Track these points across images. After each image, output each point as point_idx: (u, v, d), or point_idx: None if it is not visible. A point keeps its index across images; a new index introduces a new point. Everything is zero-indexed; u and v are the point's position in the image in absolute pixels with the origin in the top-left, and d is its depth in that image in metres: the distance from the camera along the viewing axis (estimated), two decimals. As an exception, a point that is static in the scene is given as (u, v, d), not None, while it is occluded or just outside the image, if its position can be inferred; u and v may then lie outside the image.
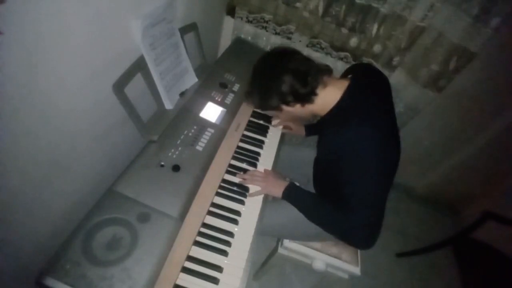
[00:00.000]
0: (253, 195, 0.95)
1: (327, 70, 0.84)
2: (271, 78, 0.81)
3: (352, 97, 0.81)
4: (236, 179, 0.97)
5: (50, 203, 0.75)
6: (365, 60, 1.47)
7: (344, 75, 0.94)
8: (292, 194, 0.94)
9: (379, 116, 0.79)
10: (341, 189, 0.79)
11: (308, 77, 0.80)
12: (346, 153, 0.75)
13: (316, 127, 1.27)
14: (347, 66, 1.51)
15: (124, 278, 0.64)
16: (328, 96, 0.82)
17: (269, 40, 1.56)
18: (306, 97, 0.81)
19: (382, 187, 0.78)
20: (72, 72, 0.64)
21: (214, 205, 0.88)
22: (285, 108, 0.85)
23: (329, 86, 0.83)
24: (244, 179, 0.96)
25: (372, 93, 0.83)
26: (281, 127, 1.21)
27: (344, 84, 0.82)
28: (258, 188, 0.95)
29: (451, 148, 1.83)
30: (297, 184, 1.20)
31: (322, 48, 1.50)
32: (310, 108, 0.85)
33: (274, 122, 1.20)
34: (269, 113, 1.02)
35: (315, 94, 0.81)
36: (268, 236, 1.11)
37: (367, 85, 0.85)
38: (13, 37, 0.47)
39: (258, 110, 1.22)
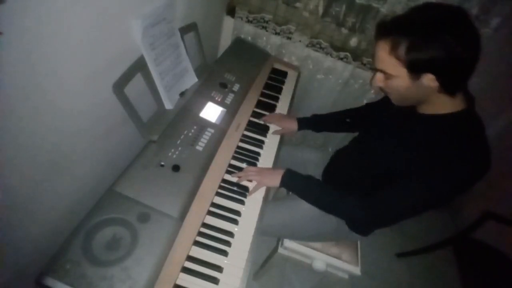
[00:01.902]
0: (252, 191, 0.94)
1: None
2: (457, 35, 0.61)
3: (475, 120, 0.72)
4: (236, 179, 0.97)
5: (50, 203, 0.75)
6: (365, 60, 1.48)
7: None
8: (291, 181, 0.92)
9: (487, 150, 0.70)
10: (383, 181, 0.76)
11: (475, 67, 0.65)
12: (439, 167, 0.68)
13: (313, 120, 1.22)
14: (347, 66, 1.52)
15: (124, 278, 0.64)
16: (455, 100, 0.71)
17: (269, 40, 1.56)
18: (458, 87, 0.68)
19: (424, 209, 0.74)
20: (72, 72, 0.64)
21: (214, 205, 0.88)
22: (423, 78, 0.66)
23: (462, 91, 0.72)
24: (239, 177, 0.95)
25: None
26: (273, 130, 1.17)
27: (466, 98, 0.74)
28: (256, 184, 0.95)
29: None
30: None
31: (322, 48, 1.50)
32: (435, 98, 0.71)
33: (263, 121, 1.18)
34: (381, 72, 0.72)
35: (459, 90, 0.69)
36: (268, 236, 1.11)
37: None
38: (13, 37, 0.47)
39: (259, 111, 1.21)
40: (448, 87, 0.68)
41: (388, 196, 0.77)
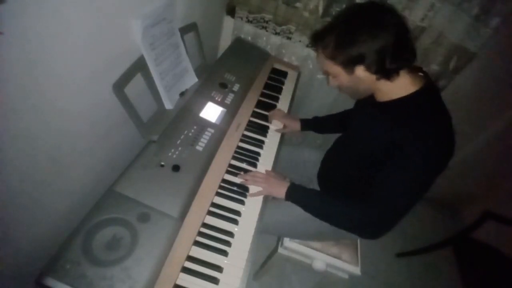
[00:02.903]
0: (253, 195, 0.94)
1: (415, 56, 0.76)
2: (369, 29, 0.69)
3: (431, 98, 0.76)
4: (236, 179, 0.97)
5: (50, 203, 0.75)
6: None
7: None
8: (295, 194, 0.93)
9: (450, 126, 0.74)
10: (370, 179, 0.78)
11: (405, 50, 0.72)
12: (408, 149, 0.71)
13: (313, 122, 1.25)
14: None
15: (124, 278, 0.64)
16: (404, 83, 0.75)
17: (269, 40, 1.56)
18: (390, 72, 0.73)
19: (415, 196, 0.76)
20: (72, 72, 0.64)
21: (214, 205, 0.88)
22: (357, 71, 0.74)
23: (410, 74, 0.76)
24: (245, 179, 0.96)
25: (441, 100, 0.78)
26: (275, 127, 1.19)
27: (419, 79, 0.77)
28: (259, 189, 0.95)
29: (451, 148, 1.83)
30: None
31: (322, 48, 1.50)
32: (380, 86, 0.77)
33: (272, 126, 1.20)
34: (327, 74, 0.83)
35: (398, 73, 0.74)
36: (268, 234, 1.11)
37: (437, 91, 0.79)
38: (13, 37, 0.47)
39: (259, 111, 1.21)
40: (381, 74, 0.74)
41: (378, 192, 0.78)
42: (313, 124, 1.25)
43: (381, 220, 0.80)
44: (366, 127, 0.88)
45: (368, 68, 0.73)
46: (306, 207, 0.92)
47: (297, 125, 1.23)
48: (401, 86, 0.76)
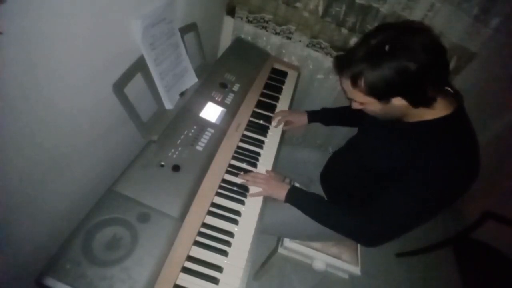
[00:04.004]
0: (253, 195, 0.94)
1: None
2: (405, 54, 0.61)
3: (459, 125, 0.71)
4: (236, 179, 0.97)
5: (50, 203, 0.75)
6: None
7: None
8: (295, 198, 0.93)
9: (475, 154, 0.70)
10: (374, 190, 0.77)
11: (445, 73, 0.66)
12: (420, 175, 0.68)
13: (322, 113, 1.24)
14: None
15: (124, 278, 0.64)
16: (436, 107, 0.70)
17: (269, 40, 1.56)
18: (431, 100, 0.67)
19: (419, 219, 0.74)
20: (72, 72, 0.64)
21: (214, 205, 0.88)
22: (394, 101, 0.68)
23: (444, 97, 0.71)
24: (246, 180, 0.96)
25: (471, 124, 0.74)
26: (282, 125, 1.20)
27: (451, 103, 0.72)
28: (259, 189, 0.95)
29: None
30: (298, 185, 1.20)
31: (322, 48, 1.50)
32: (415, 111, 0.71)
33: (274, 123, 1.20)
34: (350, 98, 0.76)
35: (435, 99, 0.68)
36: (268, 235, 1.11)
37: (466, 116, 0.75)
38: (13, 37, 0.47)
39: (259, 111, 1.21)
40: (419, 102, 0.68)
41: (380, 205, 0.77)
42: (321, 115, 1.24)
43: (377, 235, 0.79)
44: (381, 142, 0.84)
45: (406, 98, 0.67)
46: (304, 211, 0.92)
47: (304, 118, 1.23)
48: (433, 110, 0.71)
